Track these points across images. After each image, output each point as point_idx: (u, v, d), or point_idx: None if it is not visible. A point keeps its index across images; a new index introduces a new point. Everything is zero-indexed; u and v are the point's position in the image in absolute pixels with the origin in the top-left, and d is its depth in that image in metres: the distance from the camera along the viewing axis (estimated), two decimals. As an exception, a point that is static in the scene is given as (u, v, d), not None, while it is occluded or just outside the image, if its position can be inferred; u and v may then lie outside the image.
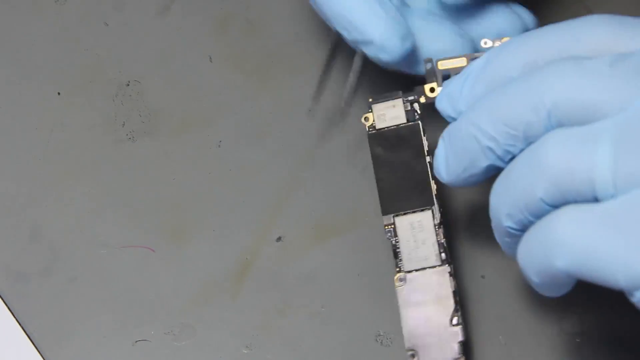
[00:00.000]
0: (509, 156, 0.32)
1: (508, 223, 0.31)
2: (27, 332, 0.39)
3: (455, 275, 0.36)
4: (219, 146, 0.42)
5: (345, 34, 0.37)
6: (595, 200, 0.29)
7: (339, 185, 0.41)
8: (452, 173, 0.33)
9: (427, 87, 0.36)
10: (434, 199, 0.36)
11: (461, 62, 0.36)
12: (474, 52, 0.37)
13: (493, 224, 0.33)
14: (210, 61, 0.43)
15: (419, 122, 0.36)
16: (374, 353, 0.38)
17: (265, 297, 0.39)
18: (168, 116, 0.42)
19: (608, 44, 0.31)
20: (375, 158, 0.37)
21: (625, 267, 0.27)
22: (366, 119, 0.37)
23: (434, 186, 0.36)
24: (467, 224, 0.40)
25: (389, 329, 0.38)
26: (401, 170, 0.36)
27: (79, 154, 0.42)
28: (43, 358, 0.38)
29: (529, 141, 0.31)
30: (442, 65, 0.36)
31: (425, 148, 0.36)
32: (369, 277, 0.39)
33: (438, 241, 0.36)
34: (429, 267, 0.36)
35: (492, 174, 0.33)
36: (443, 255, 0.36)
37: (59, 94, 0.43)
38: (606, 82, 0.29)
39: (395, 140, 0.36)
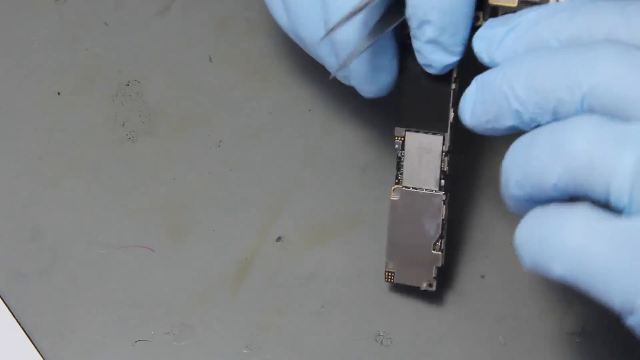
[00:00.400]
0: (535, 124, 0.31)
1: (515, 190, 0.30)
2: (27, 332, 0.39)
3: (448, 205, 0.37)
4: (219, 146, 0.42)
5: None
6: (607, 202, 0.28)
7: (339, 185, 0.41)
8: (475, 119, 0.32)
9: None
10: (448, 127, 0.36)
11: (512, 1, 0.34)
12: None
13: (502, 183, 0.32)
14: (210, 61, 0.43)
15: None
16: (374, 353, 0.38)
17: (265, 297, 0.39)
18: (168, 116, 0.42)
19: None
20: (404, 69, 0.36)
21: (623, 290, 0.27)
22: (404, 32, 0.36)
23: (451, 114, 0.35)
24: (467, 223, 0.40)
25: (389, 329, 0.38)
26: (425, 89, 0.35)
27: (79, 154, 0.42)
28: (43, 358, 0.38)
29: (557, 117, 0.30)
30: (493, 0, 0.34)
31: (454, 74, 0.35)
32: (369, 277, 0.39)
33: (441, 168, 0.36)
34: (426, 190, 0.36)
35: (515, 132, 0.32)
36: (442, 182, 0.36)
37: (59, 94, 0.43)
38: None
39: None
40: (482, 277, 0.39)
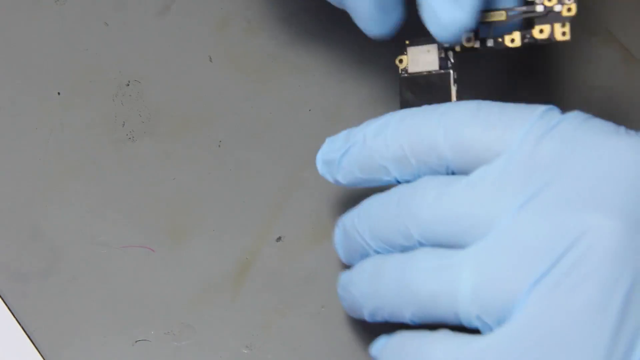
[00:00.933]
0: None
1: (370, 318, 0.33)
2: (27, 332, 0.39)
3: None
4: (219, 146, 0.42)
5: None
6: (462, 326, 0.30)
7: (339, 185, 0.41)
8: (346, 258, 0.35)
9: (463, 36, 0.35)
10: None
11: (500, 15, 0.34)
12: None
13: (347, 304, 0.34)
14: (210, 61, 0.43)
15: (451, 70, 0.35)
16: (374, 353, 0.38)
17: (265, 297, 0.39)
18: (168, 116, 0.42)
19: (478, 139, 0.31)
20: (403, 103, 0.36)
21: None
22: (400, 61, 0.36)
23: None
24: None
25: (389, 330, 0.38)
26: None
27: (79, 154, 0.42)
28: (43, 358, 0.38)
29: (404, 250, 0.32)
30: (480, 17, 0.34)
31: (453, 98, 0.35)
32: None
33: None
34: None
35: None
36: None
37: (59, 94, 0.43)
38: (467, 206, 0.30)
39: (424, 87, 0.36)
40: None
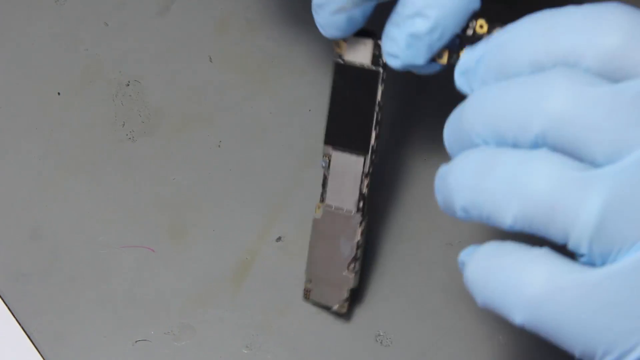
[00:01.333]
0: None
1: (460, 213, 0.29)
2: (27, 332, 0.39)
3: (366, 230, 0.37)
4: (219, 146, 0.42)
5: None
6: (564, 246, 0.27)
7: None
8: (450, 148, 0.31)
9: None
10: (369, 149, 0.36)
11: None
12: None
13: (442, 197, 0.30)
14: (210, 61, 0.43)
15: (380, 69, 0.35)
16: (374, 353, 0.38)
17: (265, 297, 0.39)
18: (168, 116, 0.42)
19: (624, 49, 0.28)
20: (334, 87, 0.36)
21: (583, 342, 0.27)
22: (338, 45, 0.36)
23: (373, 137, 0.36)
24: (467, 225, 0.40)
25: (389, 329, 0.38)
26: (352, 109, 0.36)
27: (79, 154, 0.42)
28: (43, 358, 0.38)
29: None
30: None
31: (378, 98, 0.35)
32: (368, 277, 0.39)
33: (360, 190, 0.36)
34: (346, 210, 0.37)
35: None
36: (361, 204, 0.36)
37: (59, 94, 0.43)
38: (611, 117, 0.27)
39: (355, 78, 0.36)
40: (482, 277, 0.39)
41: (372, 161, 0.36)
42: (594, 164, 0.27)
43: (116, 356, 0.38)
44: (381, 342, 0.38)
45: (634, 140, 0.27)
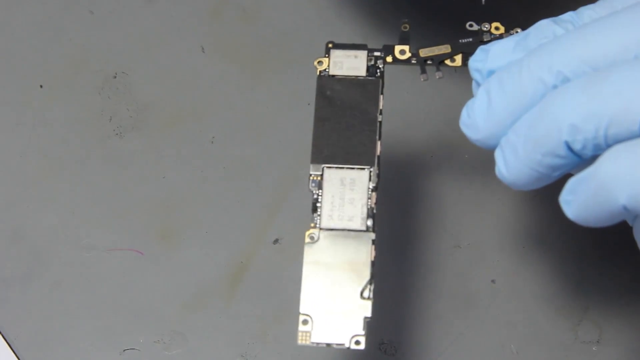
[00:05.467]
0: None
1: (567, 136, 0.29)
2: (8, 341, 0.39)
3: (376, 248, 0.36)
4: (212, 142, 0.41)
5: None
6: None
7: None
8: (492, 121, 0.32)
9: (397, 48, 0.36)
10: (376, 161, 0.35)
11: (445, 49, 0.35)
12: None
13: (536, 134, 0.30)
14: (203, 51, 0.43)
15: (380, 79, 0.36)
16: (377, 363, 0.38)
17: (261, 303, 0.39)
18: (158, 110, 0.42)
19: None
20: (321, 99, 0.35)
21: None
22: (320, 62, 0.36)
23: (379, 147, 0.35)
24: (476, 226, 0.40)
25: (392, 338, 0.38)
26: (346, 122, 0.35)
27: (62, 151, 0.42)
28: (25, 368, 0.38)
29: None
30: (423, 53, 0.35)
31: (380, 106, 0.35)
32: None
33: (369, 205, 0.35)
34: (352, 230, 0.35)
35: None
36: (370, 222, 0.35)
37: (41, 86, 0.43)
38: None
39: (348, 90, 0.36)
40: (493, 282, 0.39)
41: (378, 174, 0.35)
42: None
43: (103, 366, 0.38)
44: (385, 351, 0.38)
45: None
